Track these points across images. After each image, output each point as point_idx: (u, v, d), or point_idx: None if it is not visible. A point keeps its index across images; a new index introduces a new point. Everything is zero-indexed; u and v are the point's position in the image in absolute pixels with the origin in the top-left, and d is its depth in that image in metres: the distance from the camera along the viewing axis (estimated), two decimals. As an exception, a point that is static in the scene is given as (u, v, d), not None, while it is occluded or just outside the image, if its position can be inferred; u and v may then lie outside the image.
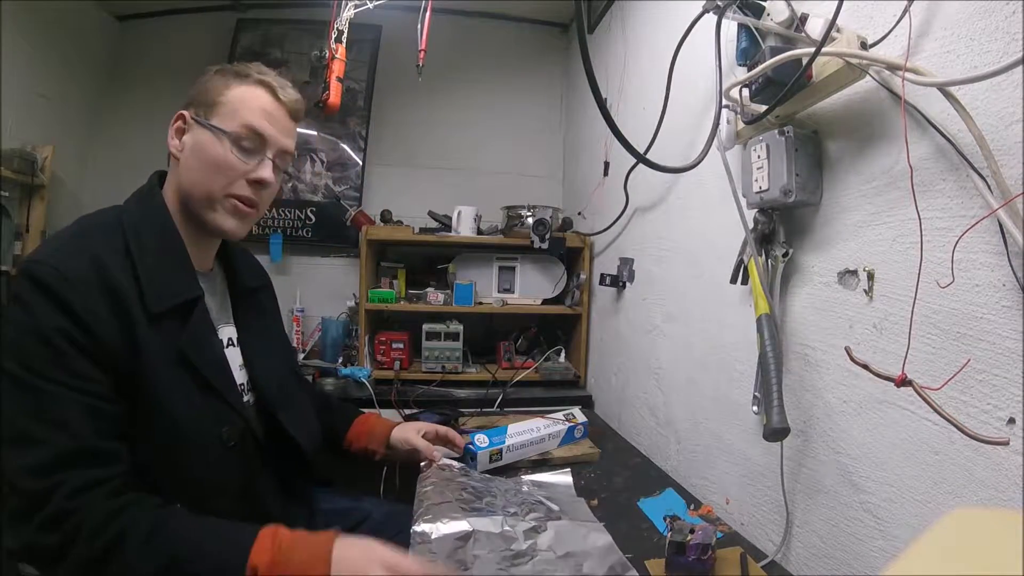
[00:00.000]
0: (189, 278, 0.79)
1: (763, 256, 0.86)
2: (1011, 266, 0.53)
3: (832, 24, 0.67)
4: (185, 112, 0.81)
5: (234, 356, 0.87)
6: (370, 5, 1.56)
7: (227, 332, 0.88)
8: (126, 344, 0.69)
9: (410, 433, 1.06)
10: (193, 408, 0.74)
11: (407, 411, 1.63)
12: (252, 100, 0.81)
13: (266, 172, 0.81)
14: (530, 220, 1.84)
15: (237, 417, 0.80)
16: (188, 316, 0.76)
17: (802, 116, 0.82)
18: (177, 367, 0.73)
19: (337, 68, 1.51)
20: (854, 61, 0.66)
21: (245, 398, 0.87)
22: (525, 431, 1.16)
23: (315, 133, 2.30)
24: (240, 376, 0.87)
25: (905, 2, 0.63)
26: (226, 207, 0.80)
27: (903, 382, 0.58)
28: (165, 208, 0.81)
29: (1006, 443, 0.51)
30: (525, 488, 1.01)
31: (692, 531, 0.75)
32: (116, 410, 0.68)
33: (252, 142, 0.80)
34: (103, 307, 0.68)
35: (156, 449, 0.71)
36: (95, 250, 0.70)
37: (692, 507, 1.00)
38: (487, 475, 1.03)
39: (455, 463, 1.04)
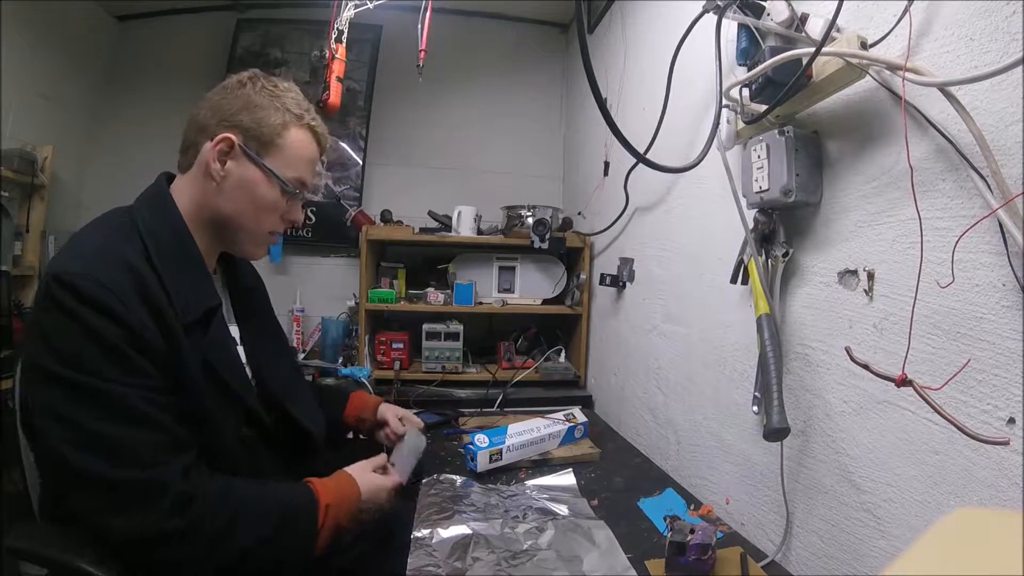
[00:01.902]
0: (209, 286, 0.81)
1: (763, 256, 0.86)
2: (1011, 266, 0.53)
3: (832, 24, 0.67)
4: (233, 138, 0.78)
5: (240, 355, 0.89)
6: (370, 5, 1.56)
7: (232, 331, 0.89)
8: (169, 348, 0.71)
9: (387, 415, 1.16)
10: (218, 410, 0.77)
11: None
12: (306, 151, 0.85)
13: (299, 214, 0.91)
14: (530, 220, 1.84)
15: (254, 417, 0.83)
16: (209, 322, 0.78)
17: (802, 116, 0.82)
18: (203, 372, 0.75)
19: (337, 68, 1.51)
20: (854, 61, 0.66)
21: None
22: (525, 431, 1.16)
23: (315, 133, 2.31)
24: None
25: (905, 2, 0.63)
26: (264, 240, 0.90)
27: (903, 382, 0.58)
28: (180, 215, 0.80)
29: (1006, 443, 0.51)
30: (528, 493, 1.01)
31: (692, 531, 0.74)
32: (174, 401, 0.71)
33: (299, 189, 0.86)
34: (145, 315, 0.69)
35: None
36: (128, 260, 0.71)
37: (692, 507, 1.00)
38: (490, 487, 1.03)
39: (457, 478, 1.05)
